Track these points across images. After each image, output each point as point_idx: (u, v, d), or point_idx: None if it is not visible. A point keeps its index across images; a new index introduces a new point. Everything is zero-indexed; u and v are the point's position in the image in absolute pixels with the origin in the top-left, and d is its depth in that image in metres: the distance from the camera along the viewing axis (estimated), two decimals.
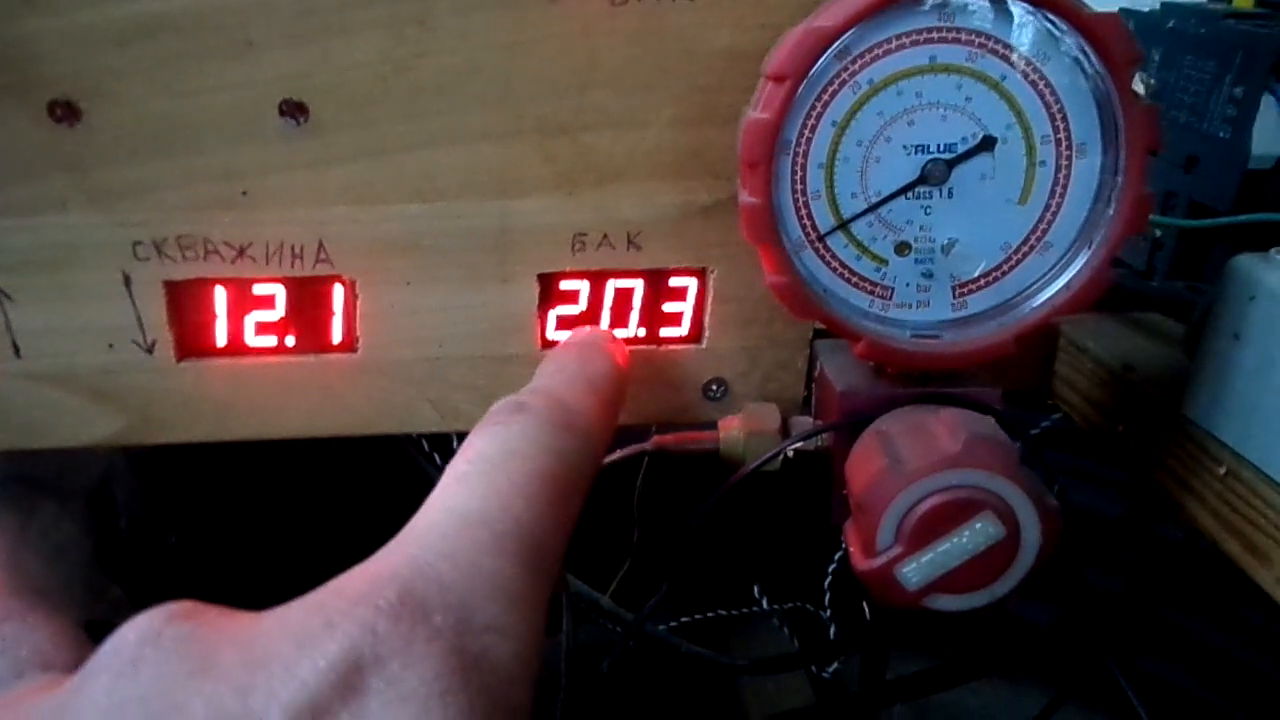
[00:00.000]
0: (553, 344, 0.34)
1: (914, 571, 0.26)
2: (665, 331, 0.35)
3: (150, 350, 0.33)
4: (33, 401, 0.33)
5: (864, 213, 0.29)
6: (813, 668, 0.67)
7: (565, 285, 0.34)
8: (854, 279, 0.30)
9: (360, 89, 0.30)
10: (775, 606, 0.72)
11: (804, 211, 0.29)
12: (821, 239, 0.29)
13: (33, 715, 0.17)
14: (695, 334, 0.35)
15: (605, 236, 0.33)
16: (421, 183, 0.31)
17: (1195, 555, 0.42)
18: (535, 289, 0.33)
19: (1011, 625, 0.53)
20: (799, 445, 0.31)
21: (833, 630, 0.69)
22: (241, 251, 0.32)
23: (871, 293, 0.30)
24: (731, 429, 0.33)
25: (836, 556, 0.68)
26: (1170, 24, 0.45)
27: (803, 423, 0.33)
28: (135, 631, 0.17)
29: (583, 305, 0.34)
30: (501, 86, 0.30)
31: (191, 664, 0.16)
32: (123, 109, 0.29)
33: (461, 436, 0.25)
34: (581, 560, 0.46)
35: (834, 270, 0.29)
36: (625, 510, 0.51)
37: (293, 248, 0.32)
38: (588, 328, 0.33)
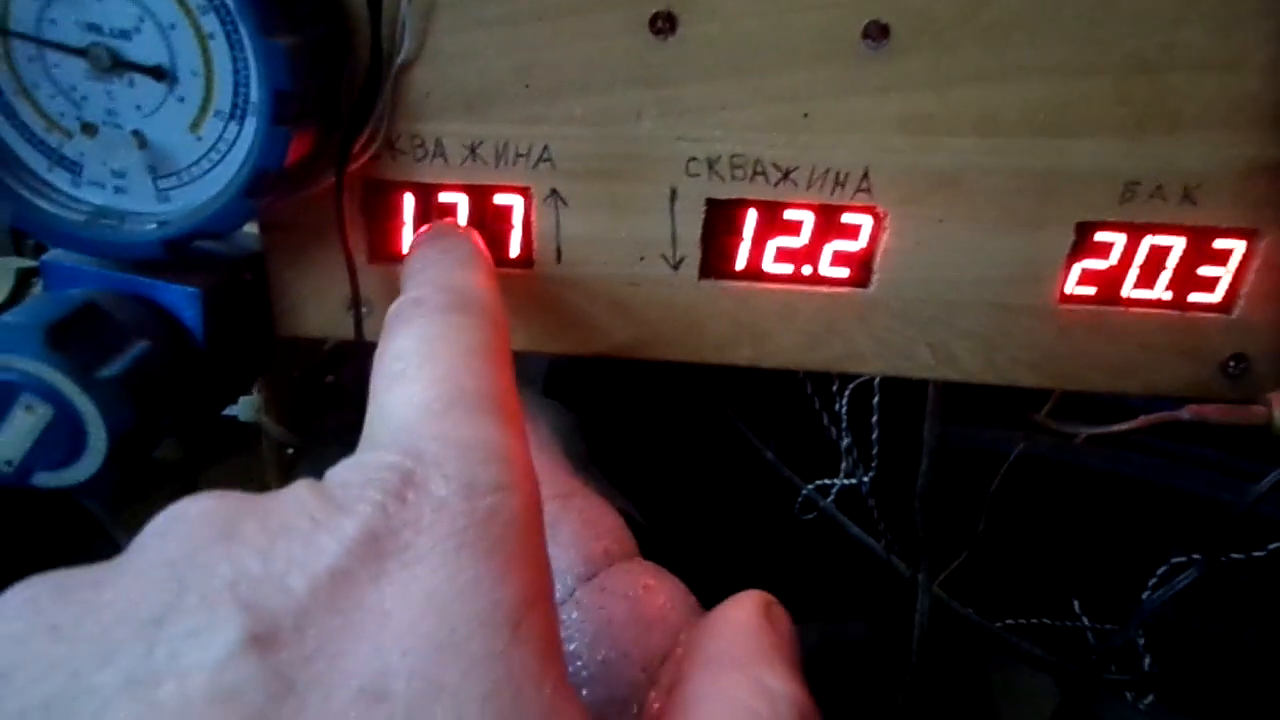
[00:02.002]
0: (1071, 298, 0.33)
1: None
2: (1194, 297, 0.33)
3: (676, 267, 0.33)
4: (559, 307, 0.34)
5: None
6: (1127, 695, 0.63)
7: (1101, 236, 0.32)
8: None
9: (945, 15, 0.29)
10: (1093, 625, 0.68)
11: None
12: None
13: (75, 580, 0.17)
14: (1227, 302, 0.32)
15: (1159, 188, 0.31)
16: (981, 117, 0.30)
17: None
18: (1070, 238, 0.32)
19: None
20: None
21: (1147, 661, 0.65)
22: (786, 175, 0.32)
23: None
24: None
25: (1150, 583, 0.64)
26: None
27: None
28: (164, 513, 0.19)
29: (1112, 260, 0.32)
30: (1090, 20, 0.29)
31: (214, 531, 0.18)
32: (715, 24, 0.30)
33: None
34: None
35: None
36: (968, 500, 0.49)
37: (837, 174, 0.32)
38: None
